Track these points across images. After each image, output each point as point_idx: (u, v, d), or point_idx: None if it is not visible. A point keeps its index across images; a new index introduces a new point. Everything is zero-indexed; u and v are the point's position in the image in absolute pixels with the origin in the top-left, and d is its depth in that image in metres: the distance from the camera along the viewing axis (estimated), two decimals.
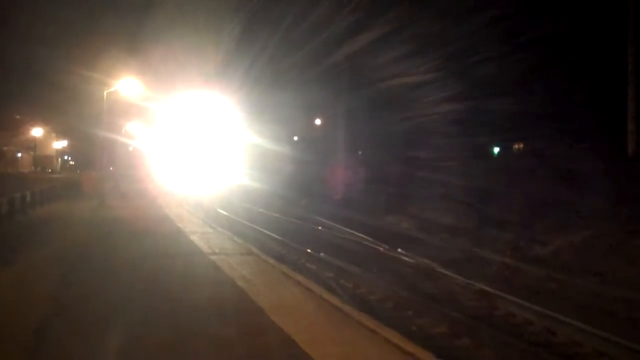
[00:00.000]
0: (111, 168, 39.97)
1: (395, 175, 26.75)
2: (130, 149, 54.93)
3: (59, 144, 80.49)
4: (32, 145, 73.27)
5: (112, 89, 26.96)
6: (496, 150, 32.37)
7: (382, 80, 28.59)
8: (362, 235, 17.99)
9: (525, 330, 8.93)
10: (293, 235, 17.69)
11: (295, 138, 45.93)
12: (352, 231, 18.97)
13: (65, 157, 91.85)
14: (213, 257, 11.51)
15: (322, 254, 14.65)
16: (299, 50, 32.96)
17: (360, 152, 40.68)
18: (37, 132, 70.88)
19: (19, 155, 70.51)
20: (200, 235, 15.16)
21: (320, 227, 20.58)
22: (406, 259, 14.21)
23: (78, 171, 70.16)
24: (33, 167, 73.09)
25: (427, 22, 25.10)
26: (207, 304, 7.62)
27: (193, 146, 32.62)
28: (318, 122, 46.58)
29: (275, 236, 17.74)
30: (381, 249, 15.70)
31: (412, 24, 25.42)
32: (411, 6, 26.19)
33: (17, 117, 61.28)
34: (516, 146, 31.04)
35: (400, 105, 27.92)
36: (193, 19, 33.62)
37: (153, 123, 41.69)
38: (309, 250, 15.29)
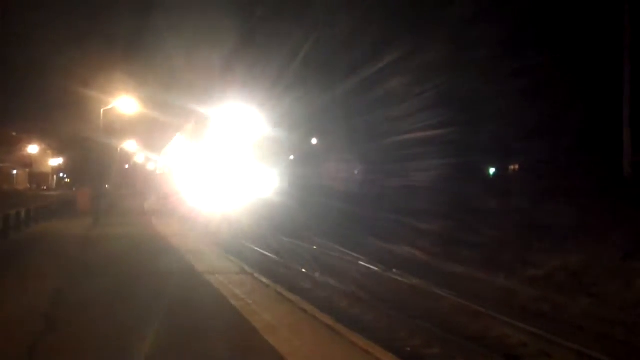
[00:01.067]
0: (107, 186, 39.87)
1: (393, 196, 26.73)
2: (127, 166, 54.93)
3: (55, 161, 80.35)
4: (28, 162, 73.11)
5: (109, 107, 26.90)
6: (492, 171, 32.44)
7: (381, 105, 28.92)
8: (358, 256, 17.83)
9: (520, 352, 8.86)
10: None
11: (292, 157, 45.82)
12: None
13: (61, 175, 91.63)
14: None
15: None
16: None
17: (356, 172, 40.75)
18: (33, 149, 70.89)
19: (15, 172, 70.31)
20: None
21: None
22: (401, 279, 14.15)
23: (74, 188, 70.07)
24: (28, 184, 72.91)
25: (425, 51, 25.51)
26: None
27: (206, 161, 32.12)
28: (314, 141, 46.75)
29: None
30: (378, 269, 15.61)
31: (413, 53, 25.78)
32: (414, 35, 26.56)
33: (13, 134, 61.27)
34: (512, 167, 31.14)
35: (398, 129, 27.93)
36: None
37: (156, 140, 41.58)
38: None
